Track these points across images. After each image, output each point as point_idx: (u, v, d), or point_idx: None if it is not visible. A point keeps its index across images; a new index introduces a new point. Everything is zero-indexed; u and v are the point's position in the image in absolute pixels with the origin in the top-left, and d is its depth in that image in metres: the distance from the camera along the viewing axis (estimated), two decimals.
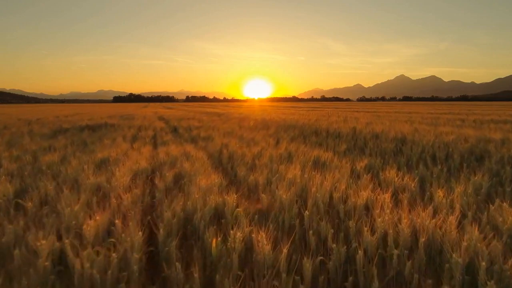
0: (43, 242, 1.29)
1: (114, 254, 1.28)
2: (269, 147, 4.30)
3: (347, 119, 9.13)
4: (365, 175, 2.49)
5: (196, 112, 19.17)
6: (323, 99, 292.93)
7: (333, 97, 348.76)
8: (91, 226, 1.47)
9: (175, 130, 7.02)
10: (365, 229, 1.44)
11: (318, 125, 7.11)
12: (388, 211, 1.65)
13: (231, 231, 1.42)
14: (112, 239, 1.43)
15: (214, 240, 1.42)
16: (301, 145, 4.28)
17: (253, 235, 1.38)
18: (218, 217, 1.79)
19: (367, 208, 1.86)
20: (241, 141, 5.05)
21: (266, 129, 6.85)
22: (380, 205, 1.72)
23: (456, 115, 14.33)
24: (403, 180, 2.36)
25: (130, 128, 7.26)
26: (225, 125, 8.17)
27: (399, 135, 4.79)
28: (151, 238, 1.55)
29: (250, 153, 3.62)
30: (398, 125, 7.01)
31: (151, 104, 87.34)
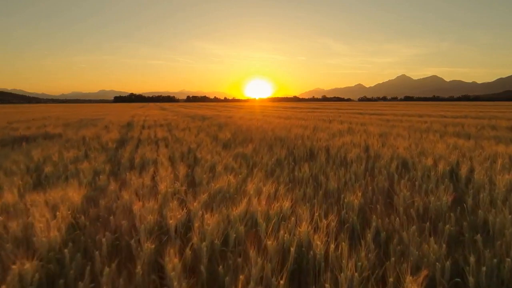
0: None
1: None
2: (227, 191, 2.49)
3: (352, 128, 7.30)
4: None
5: (183, 114, 17.37)
6: (324, 99, 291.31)
7: (334, 97, 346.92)
8: None
9: (122, 145, 5.22)
10: None
11: (316, 138, 5.29)
12: None
13: None
14: None
15: None
16: (283, 188, 2.46)
17: None
18: None
19: None
20: (193, 172, 3.24)
21: (246, 144, 5.04)
22: None
23: (475, 119, 12.47)
24: None
25: (66, 141, 5.47)
26: (197, 136, 6.37)
27: (442, 165, 2.96)
28: None
29: (173, 221, 1.80)
30: (423, 138, 5.19)
31: (150, 104, 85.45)
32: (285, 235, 1.58)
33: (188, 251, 1.42)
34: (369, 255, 1.48)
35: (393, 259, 1.44)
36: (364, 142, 4.68)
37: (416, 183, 2.51)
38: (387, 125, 8.65)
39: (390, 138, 5.16)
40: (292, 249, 1.46)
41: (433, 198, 2.07)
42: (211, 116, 14.44)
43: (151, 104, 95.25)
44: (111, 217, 1.91)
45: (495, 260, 1.40)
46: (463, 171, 2.75)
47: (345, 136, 5.37)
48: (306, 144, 4.65)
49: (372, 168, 3.23)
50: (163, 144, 5.25)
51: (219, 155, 4.11)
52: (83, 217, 1.92)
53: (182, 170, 3.30)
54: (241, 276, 1.25)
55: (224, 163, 3.62)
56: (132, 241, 1.58)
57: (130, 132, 7.05)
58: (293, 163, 3.83)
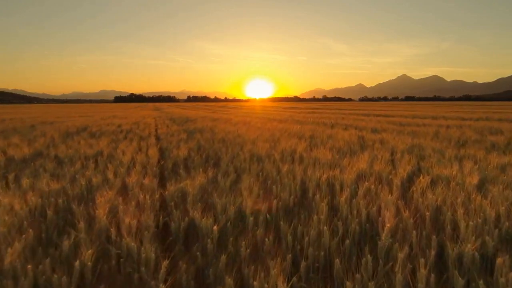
0: None
1: None
2: None
3: (363, 137, 5.44)
4: None
5: (167, 116, 15.53)
6: (325, 99, 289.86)
7: (335, 97, 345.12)
8: None
9: (15, 167, 3.37)
10: None
11: (312, 159, 3.44)
12: None
13: None
14: None
15: None
16: None
17: None
18: None
19: None
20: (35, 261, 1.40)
21: (204, 168, 3.21)
22: None
23: (502, 121, 10.60)
24: None
25: None
26: (147, 153, 4.53)
27: None
28: None
29: None
30: (482, 158, 3.32)
31: (149, 104, 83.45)
32: None
33: None
34: None
35: None
36: (392, 167, 2.82)
37: None
38: (406, 132, 6.78)
39: (428, 159, 3.30)
40: None
41: None
42: (196, 118, 12.59)
43: (150, 104, 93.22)
44: None
45: None
46: None
47: (357, 156, 3.51)
48: (296, 173, 2.78)
49: (445, 264, 1.37)
50: (77, 167, 3.40)
51: (135, 199, 2.25)
52: None
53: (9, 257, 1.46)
54: None
55: (127, 226, 1.78)
56: None
57: (63, 143, 5.19)
58: (265, 222, 1.99)
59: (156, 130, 7.87)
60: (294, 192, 2.47)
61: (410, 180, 2.59)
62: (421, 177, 2.38)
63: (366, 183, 2.26)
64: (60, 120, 11.46)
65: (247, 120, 10.75)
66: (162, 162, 3.80)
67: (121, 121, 10.65)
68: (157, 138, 6.25)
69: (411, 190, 2.19)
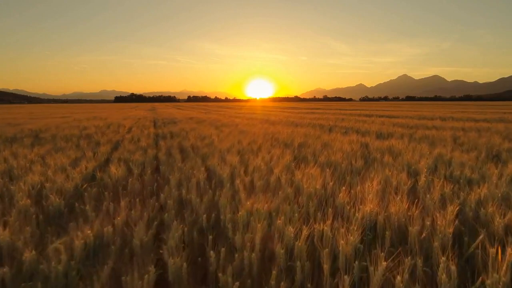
0: None
1: None
2: None
3: (367, 145, 4.30)
4: None
5: (152, 117, 14.42)
6: (326, 99, 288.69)
7: (335, 97, 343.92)
8: None
9: None
10: None
11: (296, 182, 2.31)
12: None
13: None
14: None
15: None
16: None
17: None
18: None
19: None
20: None
21: (132, 203, 2.08)
22: None
23: None
24: None
25: None
26: (79, 169, 3.41)
27: None
28: None
29: None
30: None
31: (148, 105, 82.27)
32: None
33: None
34: None
35: None
36: (421, 209, 1.68)
37: None
38: (418, 137, 5.64)
39: (471, 188, 2.16)
40: None
41: None
42: (181, 120, 11.47)
43: (148, 104, 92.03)
44: None
45: None
46: None
47: (361, 179, 2.38)
48: (259, 221, 1.65)
49: None
50: None
51: None
52: None
53: None
54: None
55: None
56: None
57: None
58: None
59: (124, 135, 6.74)
60: (248, 269, 1.34)
61: (456, 241, 1.45)
62: (481, 240, 1.25)
63: (384, 263, 1.12)
64: (30, 122, 10.35)
65: (236, 122, 9.61)
66: (84, 187, 2.67)
67: (95, 122, 9.53)
68: (115, 146, 5.13)
69: (480, 281, 1.05)
